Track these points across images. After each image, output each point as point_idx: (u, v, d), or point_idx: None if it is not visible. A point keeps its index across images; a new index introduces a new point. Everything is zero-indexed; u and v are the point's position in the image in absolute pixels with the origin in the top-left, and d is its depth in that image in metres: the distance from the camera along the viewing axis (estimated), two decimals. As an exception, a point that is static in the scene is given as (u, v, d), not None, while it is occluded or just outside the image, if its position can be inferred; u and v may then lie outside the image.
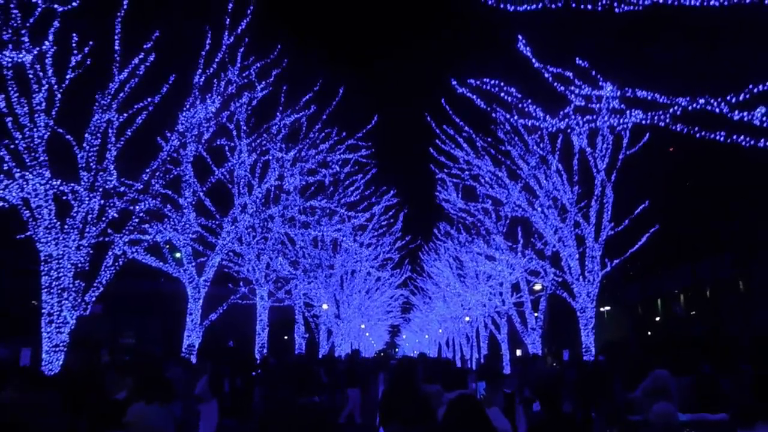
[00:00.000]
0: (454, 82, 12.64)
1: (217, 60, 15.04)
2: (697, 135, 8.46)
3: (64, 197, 12.00)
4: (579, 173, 18.48)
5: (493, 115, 15.59)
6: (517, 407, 12.62)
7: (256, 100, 17.09)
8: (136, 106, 13.06)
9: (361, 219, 24.01)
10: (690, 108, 8.23)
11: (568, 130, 16.06)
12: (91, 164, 12.34)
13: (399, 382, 6.04)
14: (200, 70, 14.91)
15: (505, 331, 30.68)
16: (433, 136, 20.58)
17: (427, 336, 72.74)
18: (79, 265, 12.05)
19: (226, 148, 18.00)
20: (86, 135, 12.36)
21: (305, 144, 19.83)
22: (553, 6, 8.02)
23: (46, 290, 11.62)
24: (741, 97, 7.88)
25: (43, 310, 11.65)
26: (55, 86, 11.92)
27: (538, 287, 24.64)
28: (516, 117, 12.34)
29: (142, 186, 13.40)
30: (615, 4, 7.72)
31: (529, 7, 8.13)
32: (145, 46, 12.81)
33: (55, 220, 11.68)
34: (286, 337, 43.72)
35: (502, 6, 8.09)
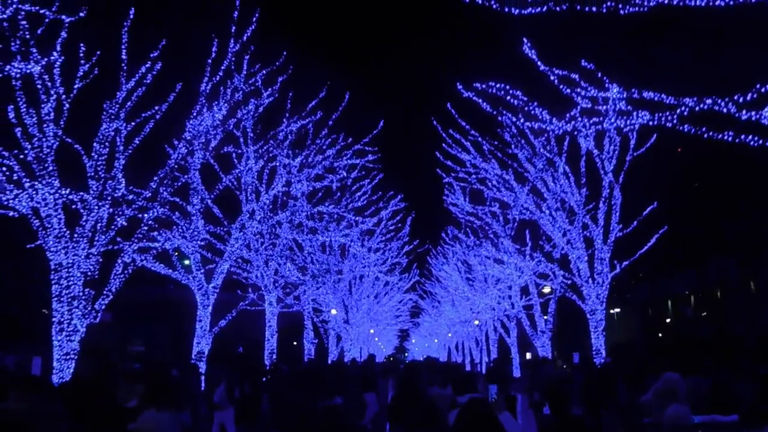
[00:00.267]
0: (460, 86, 12.64)
1: (223, 67, 15.11)
2: (705, 135, 8.43)
3: (74, 206, 12.07)
4: (586, 175, 18.43)
5: (500, 118, 15.57)
6: (527, 411, 12.57)
7: (262, 106, 17.14)
8: (143, 115, 13.13)
9: (368, 224, 23.99)
10: (697, 108, 8.20)
11: (575, 133, 16.00)
12: (100, 173, 12.40)
13: (405, 386, 6.04)
14: (207, 78, 14.98)
15: (514, 334, 30.59)
16: (439, 140, 20.61)
17: (436, 340, 72.58)
18: (89, 273, 12.11)
19: (234, 155, 18.05)
20: (95, 144, 12.43)
21: (312, 150, 19.87)
22: (558, 8, 8.01)
23: (56, 299, 11.69)
24: (748, 97, 7.85)
25: (53, 319, 11.71)
26: (63, 96, 12.01)
27: (547, 290, 24.55)
28: (522, 120, 12.31)
29: (150, 194, 13.45)
30: (620, 6, 7.71)
31: (533, 10, 8.13)
32: (151, 55, 12.90)
33: (64, 229, 11.75)
34: (295, 343, 43.72)
35: (506, 9, 8.10)
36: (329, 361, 27.15)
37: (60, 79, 11.91)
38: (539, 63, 9.98)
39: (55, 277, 11.72)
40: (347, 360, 27.11)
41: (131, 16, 12.72)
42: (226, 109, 15.34)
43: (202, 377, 15.23)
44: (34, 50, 11.13)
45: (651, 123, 8.76)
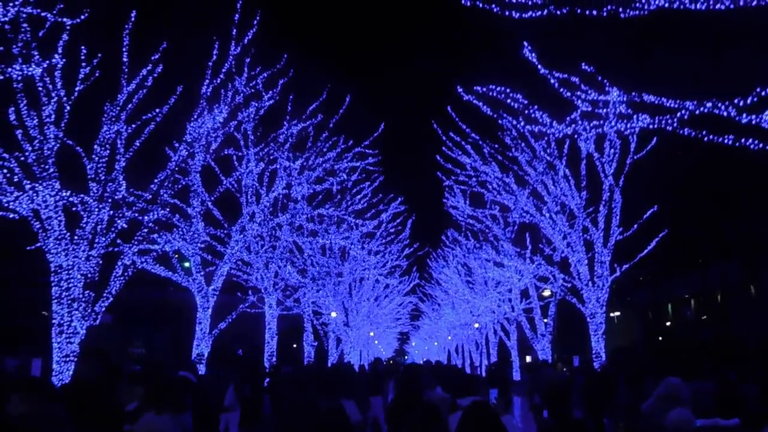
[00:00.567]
0: (461, 89, 12.65)
1: (224, 70, 15.15)
2: (705, 139, 8.43)
3: (74, 208, 12.08)
4: (587, 178, 18.44)
5: (500, 121, 15.58)
6: (527, 414, 12.57)
7: (263, 109, 17.17)
8: (144, 117, 13.16)
9: (369, 227, 24.00)
10: (697, 112, 8.21)
11: (575, 136, 16.03)
12: (101, 175, 12.42)
13: (404, 389, 6.03)
14: (208, 81, 15.01)
15: (514, 337, 30.61)
16: (440, 143, 20.63)
17: (436, 343, 72.52)
18: (89, 275, 12.12)
19: (234, 157, 18.08)
20: (95, 146, 12.45)
21: (312, 152, 19.89)
22: (558, 12, 8.03)
23: (56, 301, 11.69)
24: (749, 101, 7.85)
25: (53, 321, 11.72)
26: (65, 98, 12.03)
27: (547, 293, 24.57)
28: (523, 123, 12.32)
29: (150, 196, 13.47)
30: (620, 9, 7.72)
31: (534, 14, 8.14)
32: (152, 58, 12.93)
33: (65, 231, 11.76)
34: (294, 346, 43.71)
35: (507, 13, 8.11)
36: (329, 364, 27.12)
37: (61, 81, 11.94)
38: (540, 66, 10.00)
39: (56, 279, 11.73)
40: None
41: (133, 19, 12.76)
42: (226, 112, 15.37)
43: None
44: (36, 52, 11.15)
45: (651, 126, 8.76)
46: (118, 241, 12.93)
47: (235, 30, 15.23)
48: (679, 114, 8.35)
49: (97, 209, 12.22)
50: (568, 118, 9.95)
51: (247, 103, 16.37)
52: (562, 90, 9.76)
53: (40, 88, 11.68)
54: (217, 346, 17.32)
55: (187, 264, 16.80)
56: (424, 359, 33.76)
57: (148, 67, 12.94)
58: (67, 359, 11.63)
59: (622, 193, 17.99)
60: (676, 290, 44.45)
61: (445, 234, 33.39)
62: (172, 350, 40.30)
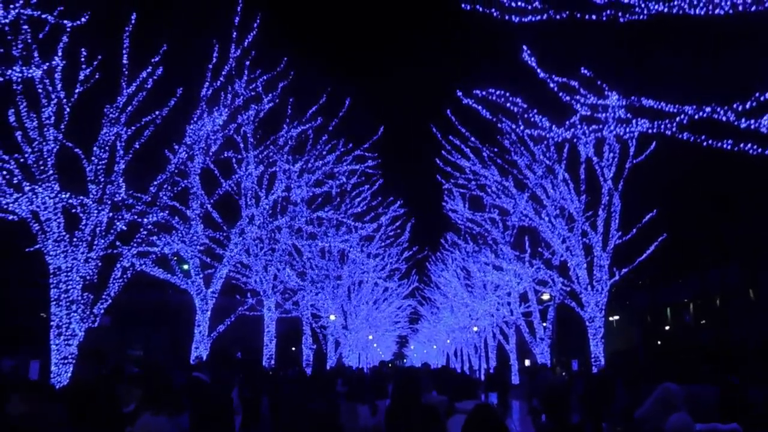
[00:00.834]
0: (460, 93, 12.68)
1: (224, 73, 15.18)
2: (705, 143, 8.45)
3: (73, 210, 12.08)
4: (586, 182, 18.46)
5: (499, 125, 15.62)
6: (525, 418, 12.56)
7: (263, 112, 17.20)
8: (144, 119, 13.17)
9: (368, 229, 24.02)
10: (696, 116, 8.22)
11: (575, 140, 16.05)
12: (100, 177, 12.42)
13: (402, 392, 6.02)
14: (207, 83, 15.03)
15: (513, 341, 30.59)
16: (439, 146, 20.65)
17: (435, 346, 72.51)
18: (88, 277, 12.11)
19: (234, 160, 18.10)
20: (95, 148, 12.45)
21: (312, 155, 19.91)
22: (558, 16, 8.05)
23: (55, 303, 11.68)
24: (747, 106, 7.87)
25: (52, 323, 11.70)
26: (64, 100, 12.04)
27: (546, 297, 24.57)
28: (522, 127, 12.36)
29: (150, 198, 13.47)
30: (619, 14, 7.74)
31: (533, 18, 8.16)
32: (152, 60, 12.94)
33: (64, 233, 11.75)
34: (293, 348, 43.66)
35: (507, 17, 8.13)
36: (327, 367, 27.09)
37: (61, 83, 11.95)
38: (539, 70, 10.01)
39: (54, 281, 11.72)
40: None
41: (133, 21, 12.78)
42: (226, 114, 15.39)
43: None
44: (36, 54, 11.16)
45: (650, 131, 8.78)
46: (117, 243, 12.93)
47: (235, 33, 15.27)
48: (678, 118, 8.37)
49: (96, 211, 12.22)
50: (567, 122, 9.98)
51: (247, 105, 16.40)
52: (561, 94, 9.78)
53: (40, 90, 11.69)
54: (217, 349, 17.30)
55: (186, 266, 16.79)
56: (422, 363, 33.72)
57: (148, 70, 12.95)
58: (66, 361, 11.61)
59: (621, 197, 18.00)
60: (676, 294, 44.45)
61: (444, 237, 33.45)
62: (171, 352, 40.24)
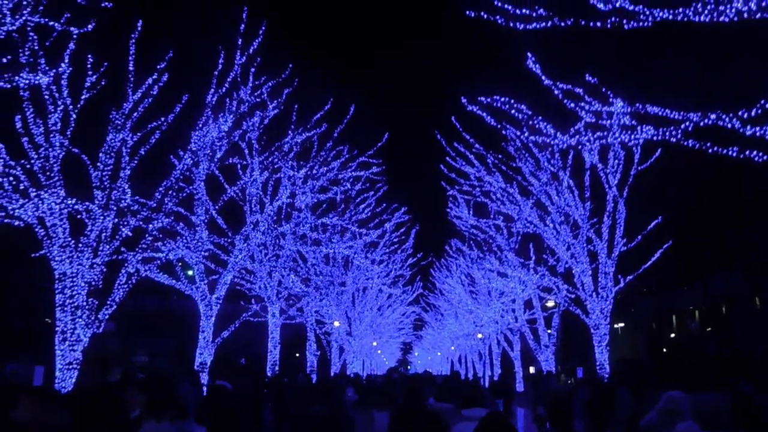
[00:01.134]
0: (464, 100, 12.68)
1: (229, 79, 15.24)
2: (710, 150, 8.43)
3: (79, 216, 12.12)
4: (591, 189, 18.41)
5: (504, 131, 15.61)
6: (531, 426, 12.50)
7: (267, 118, 17.25)
8: (149, 126, 13.22)
9: (372, 236, 24.02)
10: (701, 123, 8.20)
11: (579, 147, 16.03)
12: (105, 183, 12.47)
13: (407, 400, 6.01)
14: (213, 90, 15.10)
15: (518, 348, 30.49)
16: (443, 153, 20.65)
17: (439, 353, 72.30)
18: (93, 283, 12.14)
19: (238, 166, 18.14)
20: (100, 154, 12.51)
21: (316, 162, 19.94)
22: (562, 24, 8.06)
23: (60, 308, 11.71)
24: (753, 113, 7.85)
25: (56, 328, 11.73)
26: (71, 107, 12.11)
27: (550, 304, 24.49)
28: (526, 133, 12.35)
29: (155, 204, 13.51)
30: (624, 21, 7.74)
31: (538, 25, 8.18)
32: (158, 67, 13.01)
33: (69, 239, 11.79)
34: (297, 355, 43.63)
35: (511, 25, 8.15)
36: (331, 373, 27.04)
37: (67, 89, 12.02)
38: (543, 77, 10.02)
39: (60, 287, 11.75)
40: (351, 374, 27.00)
41: (139, 29, 12.85)
42: (231, 121, 15.44)
43: (204, 387, 15.20)
44: (43, 61, 11.23)
45: (655, 138, 8.76)
46: (122, 248, 12.96)
47: (240, 40, 15.33)
48: (683, 126, 8.35)
49: (101, 217, 12.26)
50: (572, 129, 9.97)
51: (252, 112, 16.46)
52: (566, 101, 9.77)
53: (47, 97, 11.76)
54: (221, 355, 17.31)
55: (190, 272, 16.81)
56: (424, 370, 33.60)
57: (154, 76, 13.03)
58: (70, 366, 11.63)
59: (626, 204, 17.95)
60: (681, 301, 44.29)
61: (448, 244, 33.40)
62: (175, 358, 40.25)
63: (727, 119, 7.94)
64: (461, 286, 33.53)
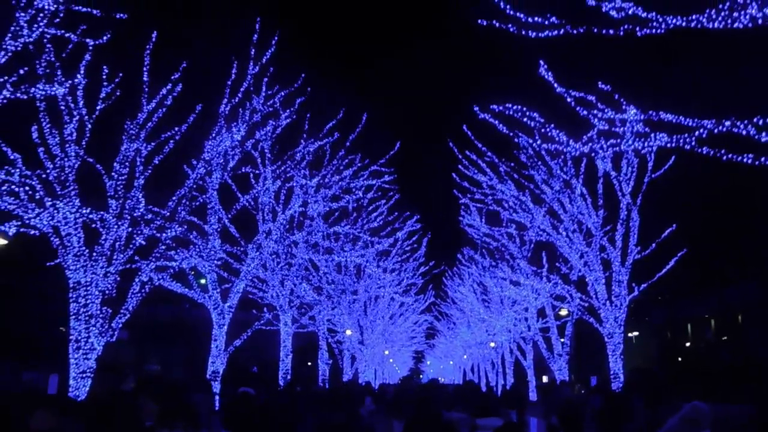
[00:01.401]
0: (477, 108, 12.68)
1: (242, 89, 15.35)
2: (724, 158, 8.36)
3: (93, 225, 12.22)
4: (604, 197, 18.30)
5: (516, 139, 15.58)
6: (545, 435, 12.38)
7: (280, 127, 17.34)
8: (163, 136, 13.32)
9: (384, 244, 24.00)
10: (716, 131, 8.14)
11: (592, 154, 15.94)
12: (120, 192, 12.57)
13: (421, 408, 5.98)
14: (226, 100, 15.20)
15: (530, 357, 30.27)
16: (455, 161, 20.62)
17: (451, 362, 71.97)
18: (107, 291, 12.21)
19: (251, 175, 18.23)
20: (115, 164, 12.62)
21: (329, 170, 19.99)
22: (575, 31, 8.04)
23: (74, 317, 11.78)
24: (768, 119, 7.78)
25: (70, 337, 11.80)
26: (86, 117, 12.23)
27: (564, 312, 24.32)
28: (539, 141, 12.32)
29: (168, 213, 13.59)
30: (637, 28, 7.72)
31: (550, 33, 8.17)
32: (172, 77, 13.13)
33: (83, 248, 11.89)
34: (309, 363, 43.58)
35: (524, 33, 8.15)
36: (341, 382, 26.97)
37: (83, 100, 12.15)
38: (556, 85, 10.00)
39: (74, 296, 11.83)
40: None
41: (153, 40, 12.99)
42: (244, 130, 15.54)
43: (216, 396, 15.22)
44: (59, 72, 11.37)
45: (669, 145, 8.70)
46: (136, 257, 13.04)
47: (253, 50, 15.45)
48: (697, 133, 8.29)
49: (115, 226, 12.35)
50: (584, 137, 9.92)
51: (265, 121, 16.54)
52: (578, 108, 9.74)
53: (63, 107, 11.90)
54: (234, 364, 17.36)
55: (203, 281, 16.88)
56: (430, 379, 33.41)
57: (168, 87, 13.14)
58: (84, 375, 11.70)
59: (639, 212, 17.81)
60: (696, 309, 43.84)
61: (460, 252, 33.30)
62: (188, 367, 40.36)
63: (741, 126, 7.87)
64: (473, 295, 33.40)
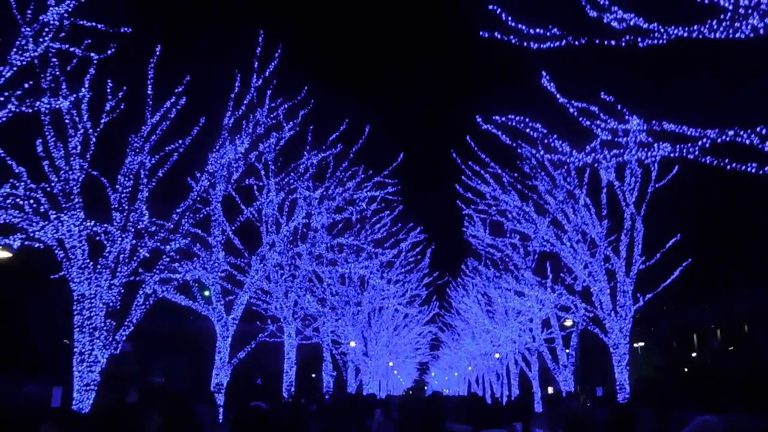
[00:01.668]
0: (479, 119, 12.70)
1: (245, 102, 15.42)
2: (728, 167, 8.35)
3: (97, 238, 12.25)
4: (608, 207, 18.27)
5: (519, 150, 15.58)
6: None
7: (283, 139, 17.40)
8: (167, 148, 13.38)
9: (388, 256, 23.99)
10: (719, 140, 8.14)
11: (596, 165, 15.94)
12: (124, 205, 12.61)
13: (425, 421, 5.94)
14: (230, 112, 15.27)
15: (535, 368, 30.13)
16: (459, 172, 20.63)
17: (456, 373, 71.66)
18: (111, 304, 12.22)
19: (255, 187, 18.26)
20: (119, 177, 12.67)
21: (332, 182, 20.03)
22: (577, 42, 8.07)
23: (78, 329, 11.78)
24: (771, 129, 7.77)
25: (74, 349, 11.80)
26: (90, 130, 12.30)
27: (568, 323, 24.23)
28: (542, 152, 12.32)
29: (172, 225, 13.62)
30: (639, 39, 7.74)
31: (552, 44, 8.20)
32: (176, 90, 13.20)
33: (88, 260, 11.90)
34: (314, 375, 43.44)
35: (525, 44, 8.18)
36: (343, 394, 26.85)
37: (87, 114, 12.22)
38: (558, 96, 10.02)
39: (78, 308, 11.84)
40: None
41: (157, 54, 13.08)
42: (248, 143, 15.59)
43: (220, 408, 15.16)
44: (64, 86, 11.44)
45: (672, 155, 8.70)
46: (140, 270, 13.05)
47: (256, 63, 15.53)
48: (700, 142, 8.29)
49: (120, 239, 12.38)
50: (588, 147, 9.93)
51: (268, 133, 16.61)
52: (581, 119, 9.75)
53: (67, 121, 11.96)
54: (238, 376, 17.32)
55: (207, 293, 16.88)
56: (433, 391, 33.26)
57: (172, 100, 13.21)
58: (88, 387, 11.68)
59: (643, 222, 17.77)
60: (702, 319, 43.63)
61: (464, 263, 33.24)
62: (192, 379, 40.25)
63: (745, 135, 7.87)
64: (478, 306, 33.31)
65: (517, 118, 11.13)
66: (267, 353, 29.22)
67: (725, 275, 38.13)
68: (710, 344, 43.99)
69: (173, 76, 13.29)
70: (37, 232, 11.51)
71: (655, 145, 8.90)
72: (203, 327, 22.28)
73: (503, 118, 11.63)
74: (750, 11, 7.04)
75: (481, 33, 8.57)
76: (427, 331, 50.01)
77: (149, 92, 13.11)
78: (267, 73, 15.73)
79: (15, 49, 9.87)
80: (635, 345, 45.10)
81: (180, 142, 13.53)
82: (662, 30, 7.52)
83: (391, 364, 49.16)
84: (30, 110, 10.57)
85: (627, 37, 7.73)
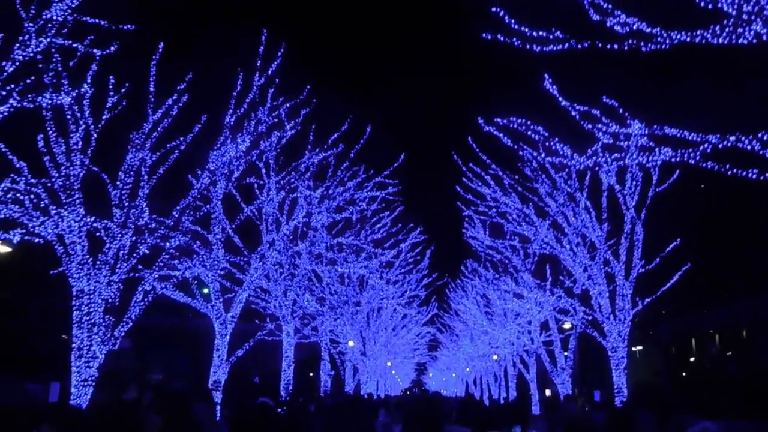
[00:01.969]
0: (481, 121, 12.71)
1: (247, 100, 15.41)
2: (729, 173, 8.36)
3: (97, 234, 12.24)
4: (608, 210, 18.27)
5: (520, 152, 15.59)
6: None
7: (285, 138, 17.39)
8: (168, 145, 13.38)
9: (387, 256, 23.98)
10: (720, 146, 8.14)
11: (597, 168, 15.95)
12: (124, 201, 12.60)
13: (424, 422, 5.93)
14: (231, 110, 15.26)
15: (533, 370, 30.12)
16: (459, 173, 20.64)
17: (454, 374, 71.68)
18: (110, 300, 12.21)
19: (255, 185, 18.27)
20: (120, 173, 12.66)
21: (333, 182, 20.03)
22: (579, 46, 8.07)
23: (76, 325, 11.78)
24: (773, 135, 7.78)
25: (73, 345, 11.79)
26: (92, 126, 12.30)
27: (567, 326, 24.23)
28: (543, 155, 12.33)
29: (172, 223, 13.62)
30: (641, 43, 7.74)
31: (555, 47, 8.20)
32: (178, 88, 13.20)
33: (87, 256, 11.90)
34: (311, 374, 43.43)
35: (528, 47, 8.18)
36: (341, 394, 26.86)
37: (89, 110, 12.22)
38: (560, 98, 10.02)
39: (77, 304, 11.83)
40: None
41: (160, 50, 13.08)
42: (249, 141, 15.58)
43: (218, 406, 15.16)
44: (66, 82, 11.44)
45: (674, 159, 8.71)
46: (140, 266, 13.05)
47: (259, 62, 15.53)
48: (701, 147, 8.30)
49: (119, 235, 12.37)
50: (589, 151, 9.94)
51: (270, 132, 16.60)
52: (583, 122, 9.76)
53: (69, 117, 11.96)
54: (236, 374, 17.33)
55: (206, 290, 16.88)
56: (432, 392, 33.23)
57: (174, 97, 13.21)
58: (86, 383, 11.67)
59: (644, 226, 17.77)
60: (701, 324, 43.62)
61: (464, 264, 33.25)
62: (190, 376, 40.25)
63: (746, 141, 7.87)
64: (476, 307, 33.31)
65: (519, 121, 11.14)
66: (265, 352, 29.22)
67: (725, 280, 38.13)
68: (709, 349, 43.98)
69: (175, 74, 13.30)
70: (37, 228, 11.50)
71: (657, 149, 8.91)
72: (202, 324, 22.26)
73: (505, 120, 11.64)
74: (753, 17, 7.04)
75: (483, 35, 8.58)
76: (425, 331, 50.05)
77: (151, 89, 13.11)
78: (269, 71, 15.73)
79: (18, 45, 9.87)
80: (634, 349, 45.10)
81: (181, 139, 13.52)
82: (665, 35, 7.52)
83: (389, 364, 49.17)
84: (32, 105, 10.58)
85: (630, 42, 7.73)
